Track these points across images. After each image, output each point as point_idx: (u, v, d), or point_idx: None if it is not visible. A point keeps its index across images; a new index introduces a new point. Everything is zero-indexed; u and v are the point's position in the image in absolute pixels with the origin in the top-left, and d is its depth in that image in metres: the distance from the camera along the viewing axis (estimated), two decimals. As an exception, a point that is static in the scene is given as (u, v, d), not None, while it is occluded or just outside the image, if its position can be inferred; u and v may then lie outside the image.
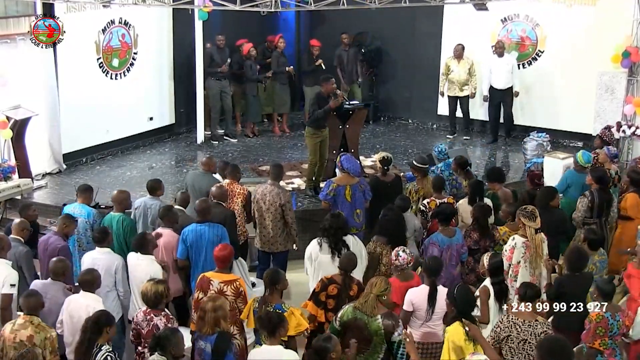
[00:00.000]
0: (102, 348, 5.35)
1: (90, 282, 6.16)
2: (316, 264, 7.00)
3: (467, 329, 5.39)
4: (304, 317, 5.94)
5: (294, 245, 8.14)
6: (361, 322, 5.65)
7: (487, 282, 6.46)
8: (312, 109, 9.75)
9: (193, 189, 8.44)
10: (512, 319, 5.56)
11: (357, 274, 6.71)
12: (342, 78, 13.21)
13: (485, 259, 6.52)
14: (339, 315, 5.74)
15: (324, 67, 12.74)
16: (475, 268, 7.28)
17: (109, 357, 5.32)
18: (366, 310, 5.64)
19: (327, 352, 5.08)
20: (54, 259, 6.43)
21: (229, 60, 12.36)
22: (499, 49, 12.32)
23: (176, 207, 7.85)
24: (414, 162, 8.70)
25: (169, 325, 5.77)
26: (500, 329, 5.55)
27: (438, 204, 7.94)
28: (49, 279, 6.37)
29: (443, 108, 13.53)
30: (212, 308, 5.55)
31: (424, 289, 6.22)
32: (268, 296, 5.99)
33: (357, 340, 5.51)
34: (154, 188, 8.03)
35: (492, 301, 6.31)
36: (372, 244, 7.23)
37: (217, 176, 8.65)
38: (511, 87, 12.37)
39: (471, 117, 13.10)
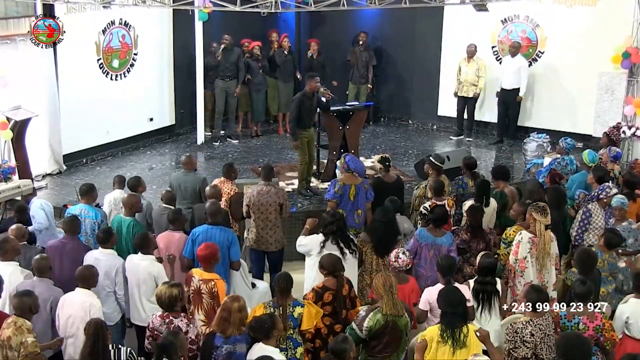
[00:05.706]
0: (121, 348, 5.35)
1: (87, 277, 6.12)
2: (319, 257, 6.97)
3: (478, 334, 5.39)
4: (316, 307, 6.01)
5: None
6: (393, 324, 5.70)
7: (471, 280, 6.44)
8: (294, 108, 9.63)
9: (179, 189, 8.54)
10: (537, 322, 5.60)
11: (352, 273, 6.85)
12: (352, 76, 13.30)
13: (479, 257, 6.49)
14: (367, 325, 5.68)
15: (315, 58, 13.01)
16: (462, 268, 7.23)
17: (131, 355, 5.33)
18: (398, 312, 5.70)
19: (346, 352, 5.10)
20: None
21: (222, 46, 12.23)
22: (513, 49, 12.31)
23: (163, 205, 7.91)
24: (431, 159, 8.67)
25: (191, 325, 5.72)
26: (535, 336, 5.57)
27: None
28: (35, 277, 6.33)
29: (443, 109, 13.53)
30: (238, 308, 5.48)
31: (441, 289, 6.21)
32: (282, 298, 5.96)
33: (391, 342, 5.68)
34: (135, 186, 8.13)
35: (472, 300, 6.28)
36: (359, 238, 7.38)
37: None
38: (517, 89, 12.32)
39: (475, 118, 13.08)
